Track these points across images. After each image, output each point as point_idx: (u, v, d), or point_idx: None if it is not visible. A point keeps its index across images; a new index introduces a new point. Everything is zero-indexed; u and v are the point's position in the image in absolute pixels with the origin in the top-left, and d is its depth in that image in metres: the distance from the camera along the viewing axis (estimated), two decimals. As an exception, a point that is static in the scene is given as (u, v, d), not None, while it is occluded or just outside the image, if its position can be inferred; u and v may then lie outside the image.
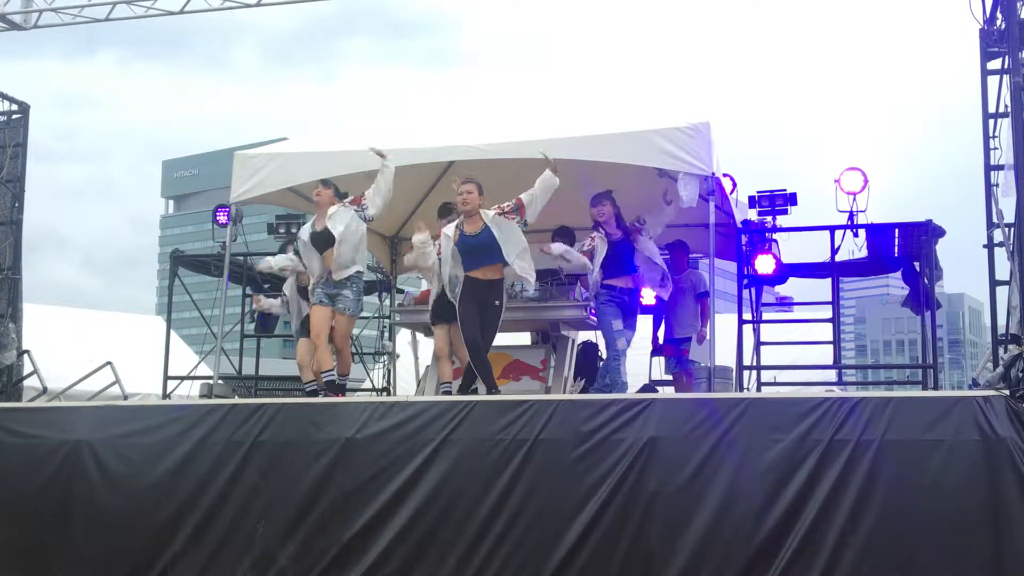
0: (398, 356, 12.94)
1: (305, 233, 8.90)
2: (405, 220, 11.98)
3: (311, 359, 9.10)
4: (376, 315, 13.34)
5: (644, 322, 10.27)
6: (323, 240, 8.73)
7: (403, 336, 12.92)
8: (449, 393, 8.76)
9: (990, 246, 8.21)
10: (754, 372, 9.57)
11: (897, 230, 9.75)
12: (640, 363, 10.71)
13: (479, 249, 8.28)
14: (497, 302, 8.34)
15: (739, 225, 9.68)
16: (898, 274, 10.54)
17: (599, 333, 10.69)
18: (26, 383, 11.15)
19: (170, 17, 12.55)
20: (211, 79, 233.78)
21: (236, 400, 9.31)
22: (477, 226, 8.34)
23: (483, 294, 8.30)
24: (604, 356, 10.36)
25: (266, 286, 12.16)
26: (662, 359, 10.88)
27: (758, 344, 10.06)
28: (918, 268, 9.85)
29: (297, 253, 9.17)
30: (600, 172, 9.44)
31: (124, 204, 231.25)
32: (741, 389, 9.08)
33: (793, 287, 13.01)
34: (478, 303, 8.29)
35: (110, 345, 12.85)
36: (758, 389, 9.32)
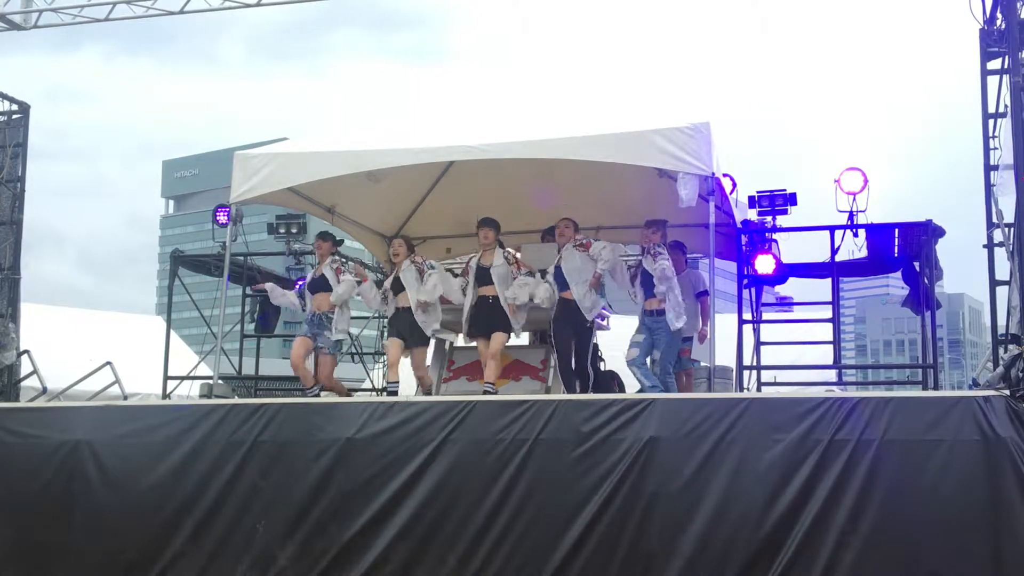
0: (398, 356, 12.91)
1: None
2: (405, 220, 11.97)
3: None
4: (376, 315, 13.33)
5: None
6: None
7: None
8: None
9: (990, 246, 8.22)
10: (754, 372, 9.56)
11: (897, 230, 9.74)
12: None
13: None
14: None
15: (739, 225, 9.67)
16: (898, 274, 10.53)
17: (598, 333, 10.72)
18: (26, 383, 11.15)
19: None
20: (199, 74, 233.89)
21: (236, 400, 9.31)
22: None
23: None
24: (604, 356, 10.41)
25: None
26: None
27: (758, 344, 10.05)
28: (918, 268, 9.84)
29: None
30: (599, 173, 9.45)
31: (119, 202, 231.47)
32: (741, 389, 9.07)
33: (793, 287, 12.99)
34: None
35: (110, 345, 12.83)
36: (758, 389, 9.31)
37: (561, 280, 9.12)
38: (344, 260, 9.91)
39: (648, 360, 9.02)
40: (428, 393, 9.55)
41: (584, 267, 9.05)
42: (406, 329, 9.43)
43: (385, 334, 9.90)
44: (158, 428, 8.46)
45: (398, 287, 9.54)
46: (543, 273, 9.29)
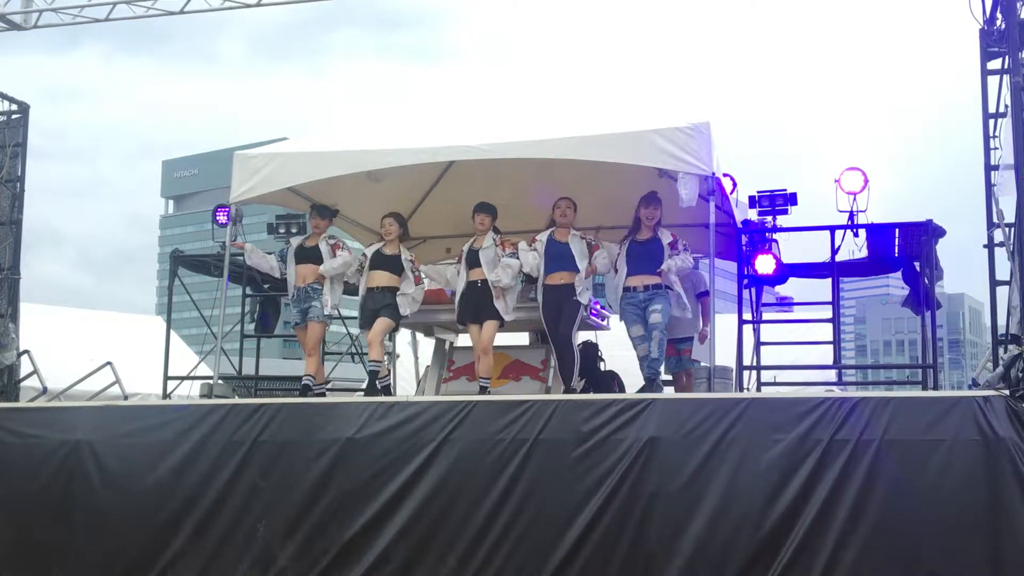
0: (398, 356, 12.93)
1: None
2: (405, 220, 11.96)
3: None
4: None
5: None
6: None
7: (403, 336, 12.91)
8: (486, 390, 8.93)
9: (990, 246, 8.21)
10: (754, 372, 9.56)
11: (897, 230, 9.72)
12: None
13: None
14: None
15: (739, 225, 9.67)
16: (898, 274, 10.51)
17: (598, 333, 10.72)
18: (26, 383, 11.15)
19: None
20: (198, 74, 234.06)
21: (236, 400, 9.31)
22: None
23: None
24: (604, 357, 10.40)
25: (266, 286, 12.14)
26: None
27: (758, 344, 10.04)
28: (918, 268, 9.82)
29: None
30: (599, 172, 9.44)
31: (118, 202, 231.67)
32: (741, 389, 9.07)
33: (793, 287, 12.97)
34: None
35: (110, 345, 12.84)
36: (758, 389, 9.30)
37: (554, 258, 9.12)
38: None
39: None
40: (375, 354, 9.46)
41: (585, 259, 9.13)
42: (378, 303, 9.37)
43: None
44: (158, 428, 8.47)
45: (377, 263, 9.49)
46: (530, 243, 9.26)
